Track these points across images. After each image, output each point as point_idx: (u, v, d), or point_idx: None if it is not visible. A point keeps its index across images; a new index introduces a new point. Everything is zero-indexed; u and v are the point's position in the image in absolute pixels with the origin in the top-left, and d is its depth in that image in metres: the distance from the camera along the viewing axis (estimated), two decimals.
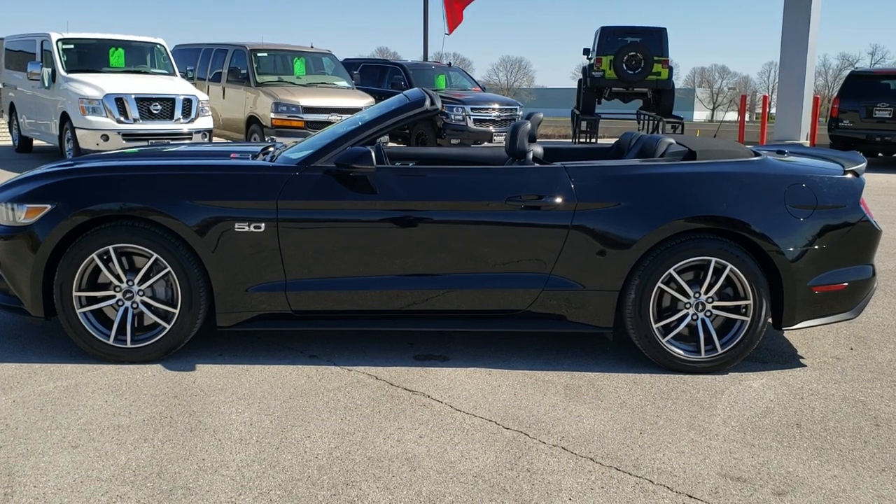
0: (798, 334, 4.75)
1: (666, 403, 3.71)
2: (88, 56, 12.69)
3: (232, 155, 4.58)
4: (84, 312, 4.01)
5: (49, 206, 3.95)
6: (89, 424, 3.34)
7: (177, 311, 4.01)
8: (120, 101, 11.54)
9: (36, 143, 14.44)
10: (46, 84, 12.36)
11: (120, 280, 4.01)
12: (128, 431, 3.28)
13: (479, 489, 2.89)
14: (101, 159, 4.54)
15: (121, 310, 4.04)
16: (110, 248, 3.95)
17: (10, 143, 15.07)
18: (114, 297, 4.04)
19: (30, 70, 12.59)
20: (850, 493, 2.93)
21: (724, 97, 77.62)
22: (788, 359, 4.37)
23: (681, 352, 4.08)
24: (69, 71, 12.18)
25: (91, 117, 11.43)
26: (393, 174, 4.08)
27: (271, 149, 4.77)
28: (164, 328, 4.03)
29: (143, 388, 3.74)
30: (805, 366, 4.27)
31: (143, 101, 11.71)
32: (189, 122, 12.11)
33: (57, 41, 12.45)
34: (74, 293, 3.97)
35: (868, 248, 4.25)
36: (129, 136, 11.50)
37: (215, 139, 13.34)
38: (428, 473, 2.99)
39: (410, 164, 5.09)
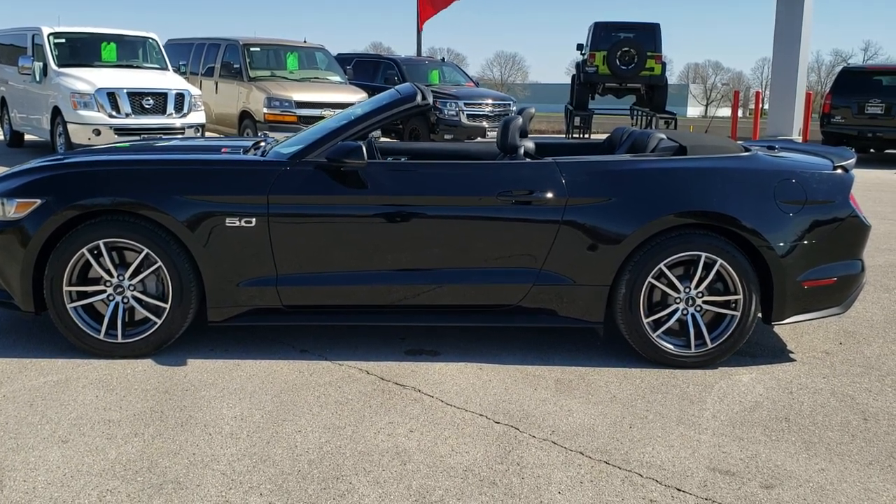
0: (788, 329, 4.78)
1: (656, 398, 3.73)
2: (80, 50, 12.64)
3: (223, 150, 4.58)
4: (74, 307, 4.01)
5: (39, 201, 3.94)
6: (80, 419, 3.34)
7: (168, 306, 4.01)
8: (112, 95, 11.50)
9: (27, 137, 14.37)
10: (38, 78, 12.30)
11: (110, 275, 4.01)
12: (118, 426, 3.28)
13: (469, 483, 2.90)
14: (92, 154, 4.53)
15: (111, 304, 4.03)
16: (101, 242, 3.94)
17: (2, 137, 15.00)
18: (104, 291, 4.03)
19: (21, 64, 12.52)
20: (837, 486, 2.95)
21: (718, 93, 77.76)
22: (778, 353, 4.39)
23: (671, 346, 4.10)
24: (61, 65, 12.13)
25: (83, 112, 11.38)
26: (384, 169, 4.09)
27: (263, 143, 4.77)
28: (155, 323, 4.02)
29: (134, 382, 3.74)
30: (794, 360, 4.29)
31: (136, 96, 11.67)
32: (181, 116, 12.07)
33: (48, 35, 12.38)
34: (65, 288, 3.97)
35: (857, 244, 4.27)
36: (121, 130, 11.46)
37: (208, 134, 13.31)
38: (418, 467, 3.00)
39: (402, 160, 5.09)
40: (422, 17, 19.85)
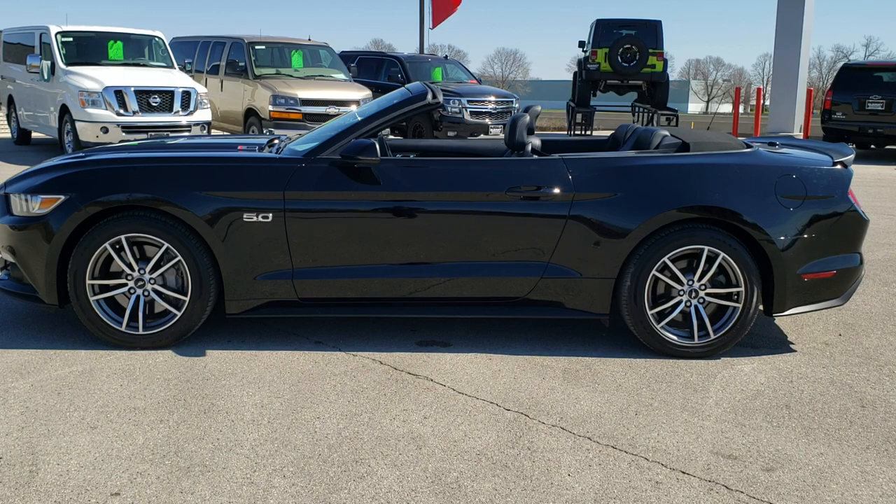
0: (789, 321, 4.90)
1: (660, 386, 3.85)
2: (87, 49, 12.77)
3: (239, 147, 4.70)
4: (97, 300, 4.14)
5: (63, 197, 4.07)
6: (106, 407, 3.47)
7: (187, 299, 4.13)
8: (119, 93, 11.63)
9: (35, 135, 14.51)
10: (45, 77, 12.43)
11: (132, 269, 4.14)
12: (144, 413, 3.41)
13: (482, 466, 3.03)
14: (113, 151, 4.66)
15: (133, 297, 4.16)
16: (122, 237, 4.07)
17: (9, 135, 15.14)
18: (126, 285, 4.16)
19: (29, 63, 12.66)
20: (835, 469, 3.08)
21: (719, 89, 77.71)
22: (779, 344, 4.52)
23: (675, 337, 4.22)
24: (68, 64, 12.26)
25: (91, 110, 11.52)
26: (396, 165, 4.21)
27: (277, 141, 4.89)
28: (175, 315, 4.15)
29: (156, 372, 3.87)
30: (795, 351, 4.41)
31: (143, 94, 11.80)
32: (188, 114, 12.20)
33: (56, 34, 12.52)
34: (88, 281, 4.10)
35: (856, 237, 4.39)
36: (128, 128, 11.60)
37: (214, 132, 13.43)
38: (433, 451, 3.13)
39: (412, 156, 5.21)
40: (435, 20, 20.06)
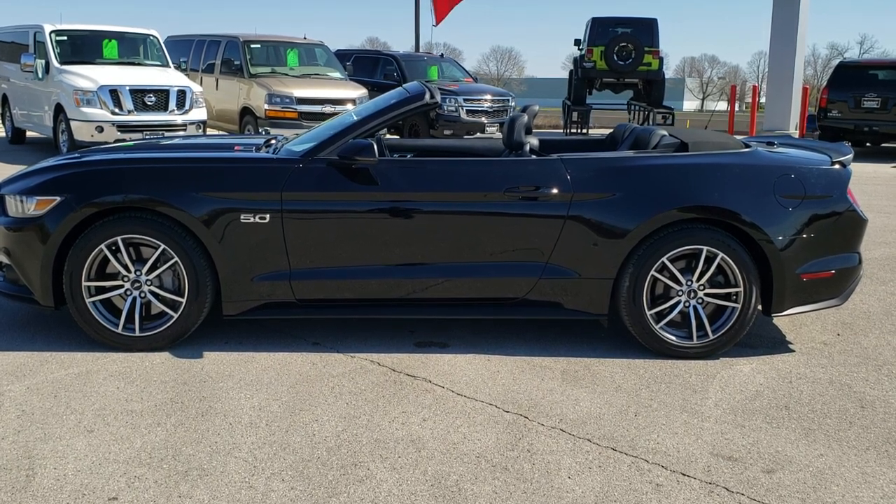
0: (787, 321, 4.89)
1: (659, 387, 3.84)
2: (82, 48, 12.71)
3: (236, 147, 4.68)
4: (93, 302, 4.11)
5: (58, 198, 4.04)
6: (103, 410, 3.45)
7: (184, 301, 4.11)
8: (114, 92, 11.58)
9: (29, 134, 14.44)
10: (40, 76, 12.37)
11: (128, 270, 4.11)
12: (141, 416, 3.39)
13: (482, 468, 3.02)
14: (109, 152, 4.63)
15: (129, 299, 4.14)
16: (118, 238, 4.04)
17: (3, 134, 15.07)
18: (122, 286, 4.13)
19: (23, 61, 12.59)
20: (836, 471, 3.07)
21: (714, 87, 77.78)
22: (777, 344, 4.51)
23: (673, 338, 4.21)
24: (63, 62, 12.21)
25: (86, 109, 11.47)
26: (394, 166, 4.19)
27: (273, 141, 4.86)
28: (172, 317, 4.13)
29: (153, 375, 3.85)
30: (793, 351, 4.41)
31: (138, 93, 11.76)
32: (183, 113, 12.16)
33: (50, 33, 12.46)
34: (84, 283, 4.07)
35: (854, 237, 4.38)
36: (123, 127, 11.55)
37: (209, 131, 13.39)
38: (433, 454, 3.12)
39: (409, 156, 5.19)
40: (438, 16, 20.06)
